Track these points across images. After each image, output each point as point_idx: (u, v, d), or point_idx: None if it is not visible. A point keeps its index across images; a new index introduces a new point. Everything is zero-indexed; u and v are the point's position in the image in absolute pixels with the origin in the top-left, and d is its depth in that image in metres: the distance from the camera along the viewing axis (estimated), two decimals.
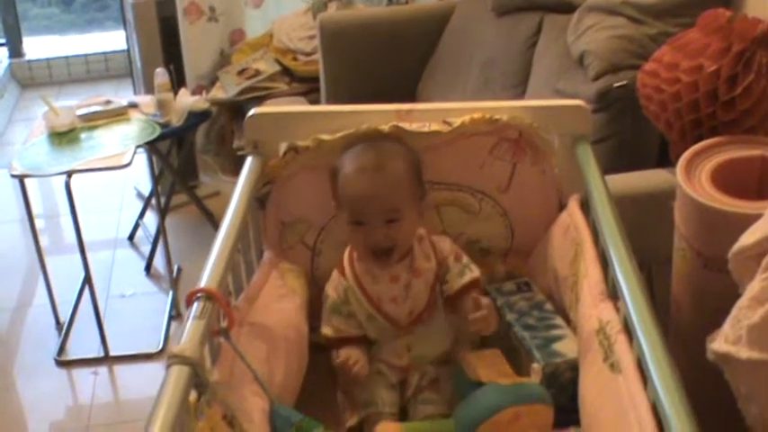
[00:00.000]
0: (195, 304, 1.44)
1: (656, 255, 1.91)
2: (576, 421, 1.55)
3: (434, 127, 1.85)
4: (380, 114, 1.87)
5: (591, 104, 2.20)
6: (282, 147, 1.90)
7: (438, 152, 1.86)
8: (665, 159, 2.13)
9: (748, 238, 1.37)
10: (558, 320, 1.77)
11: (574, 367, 1.62)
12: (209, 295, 1.45)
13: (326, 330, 1.80)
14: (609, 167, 2.02)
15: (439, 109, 1.92)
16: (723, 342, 1.31)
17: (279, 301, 1.77)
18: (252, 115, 1.92)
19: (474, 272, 1.81)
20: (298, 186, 1.90)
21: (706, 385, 1.40)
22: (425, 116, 1.88)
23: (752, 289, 1.30)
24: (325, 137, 1.85)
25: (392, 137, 1.82)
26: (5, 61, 5.61)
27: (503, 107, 1.89)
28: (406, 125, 1.84)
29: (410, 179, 1.75)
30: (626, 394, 1.32)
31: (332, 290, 1.82)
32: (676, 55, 1.88)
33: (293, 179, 1.90)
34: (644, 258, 1.61)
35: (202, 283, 1.48)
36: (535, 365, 1.66)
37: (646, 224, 1.87)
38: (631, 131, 2.26)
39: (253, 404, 1.52)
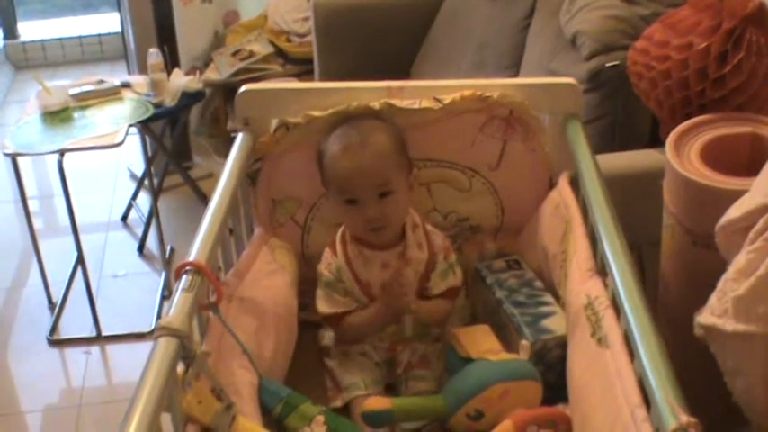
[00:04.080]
0: (184, 277, 1.44)
1: (647, 235, 1.91)
2: (563, 398, 1.56)
3: (425, 104, 1.85)
4: (372, 91, 1.87)
5: (583, 84, 2.20)
6: (273, 123, 1.89)
7: (428, 129, 1.86)
8: (656, 140, 2.13)
9: (735, 211, 1.37)
10: (548, 297, 1.78)
11: (562, 344, 1.63)
12: (197, 269, 1.45)
13: (324, 308, 1.79)
14: (600, 147, 2.02)
15: (430, 86, 1.92)
16: (709, 315, 1.32)
17: (268, 277, 1.77)
18: (243, 91, 1.91)
19: (457, 276, 1.82)
20: (289, 163, 1.90)
21: (693, 363, 1.40)
22: (417, 93, 1.87)
23: (738, 262, 1.30)
24: (316, 113, 1.85)
25: (378, 114, 1.82)
26: (0, 42, 5.60)
27: (494, 85, 1.89)
28: (396, 102, 1.84)
29: (395, 151, 1.75)
30: (613, 369, 1.32)
31: (325, 268, 1.81)
32: (667, 32, 1.88)
33: (284, 156, 1.90)
34: (634, 239, 1.61)
35: (191, 257, 1.48)
36: (524, 342, 1.66)
37: (636, 205, 1.87)
38: (623, 112, 2.26)
39: (241, 378, 1.52)
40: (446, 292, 1.80)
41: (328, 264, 1.80)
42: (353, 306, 1.78)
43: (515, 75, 2.78)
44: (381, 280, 1.76)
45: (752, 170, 1.55)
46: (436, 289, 1.79)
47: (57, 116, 3.11)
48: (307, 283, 1.86)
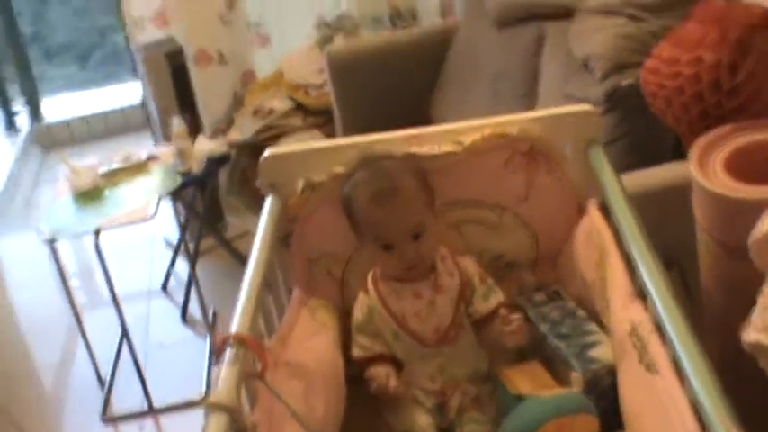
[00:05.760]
0: (228, 350, 1.45)
1: (685, 247, 1.90)
2: (619, 425, 1.55)
3: (446, 148, 1.86)
4: (391, 141, 1.88)
5: (601, 105, 2.21)
6: (299, 184, 1.91)
7: (452, 172, 1.87)
8: (680, 153, 2.13)
9: (764, 224, 1.37)
10: (592, 326, 1.77)
11: (612, 372, 1.61)
12: (240, 340, 1.47)
13: (355, 351, 1.82)
14: (625, 166, 2.03)
15: (449, 130, 1.92)
16: (753, 331, 1.31)
17: (312, 338, 1.78)
18: (265, 157, 1.93)
19: (499, 294, 1.82)
20: (319, 221, 1.91)
21: (746, 373, 1.40)
22: (436, 138, 1.88)
23: None
24: (339, 169, 1.86)
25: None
26: (27, 127, 5.69)
27: (512, 120, 1.90)
28: (416, 149, 1.85)
29: (422, 190, 1.77)
30: (665, 394, 1.32)
31: (357, 310, 1.84)
32: (675, 49, 1.88)
33: (314, 215, 1.91)
34: (672, 253, 1.60)
35: (233, 329, 1.49)
36: (575, 374, 1.66)
37: (670, 219, 1.87)
38: (644, 128, 2.26)
39: None
40: (495, 309, 1.80)
41: (361, 305, 1.83)
42: (379, 350, 1.79)
43: (532, 102, 2.79)
44: (415, 310, 1.77)
45: None
46: (483, 309, 1.80)
47: (88, 195, 3.16)
48: (350, 337, 1.86)
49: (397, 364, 1.79)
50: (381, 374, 1.74)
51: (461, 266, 1.82)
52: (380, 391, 1.73)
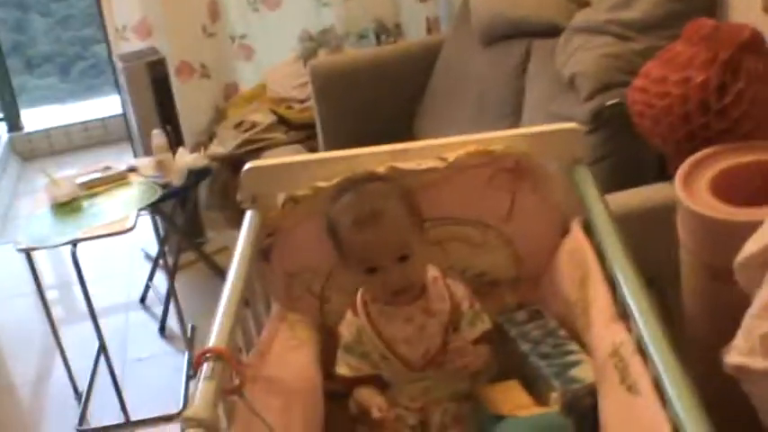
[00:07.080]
0: (205, 365, 1.43)
1: (668, 269, 1.90)
2: None
3: (430, 164, 1.85)
4: (375, 156, 1.87)
5: (586, 125, 2.20)
6: (281, 198, 1.89)
7: (436, 189, 1.86)
8: (665, 173, 2.12)
9: (752, 246, 1.36)
10: (573, 346, 1.76)
11: (593, 392, 1.61)
12: (218, 355, 1.44)
13: (342, 370, 1.79)
14: (610, 186, 2.02)
15: (433, 145, 1.92)
16: (736, 354, 1.30)
17: (290, 354, 1.76)
18: (247, 170, 1.91)
19: (485, 322, 1.81)
20: (300, 236, 1.90)
21: (726, 398, 1.39)
22: (421, 154, 1.87)
23: (761, 298, 1.29)
24: (323, 184, 1.85)
25: (383, 177, 1.82)
26: (5, 136, 5.63)
27: (497, 137, 1.89)
28: (401, 164, 1.84)
29: (408, 213, 1.75)
30: (646, 416, 1.30)
31: (345, 329, 1.81)
32: (664, 69, 1.88)
33: (295, 229, 1.89)
34: (655, 274, 1.60)
35: (210, 343, 1.47)
36: (554, 394, 1.64)
37: (653, 239, 1.86)
38: (629, 148, 2.26)
39: None
40: (480, 338, 1.79)
41: (349, 325, 1.81)
42: (367, 371, 1.77)
43: (517, 121, 2.78)
44: (405, 335, 1.75)
45: (764, 198, 1.54)
46: (469, 337, 1.78)
47: (67, 206, 3.12)
48: (329, 354, 1.84)
49: (383, 384, 1.77)
50: (369, 403, 1.71)
51: (451, 290, 1.80)
52: (367, 417, 1.71)
